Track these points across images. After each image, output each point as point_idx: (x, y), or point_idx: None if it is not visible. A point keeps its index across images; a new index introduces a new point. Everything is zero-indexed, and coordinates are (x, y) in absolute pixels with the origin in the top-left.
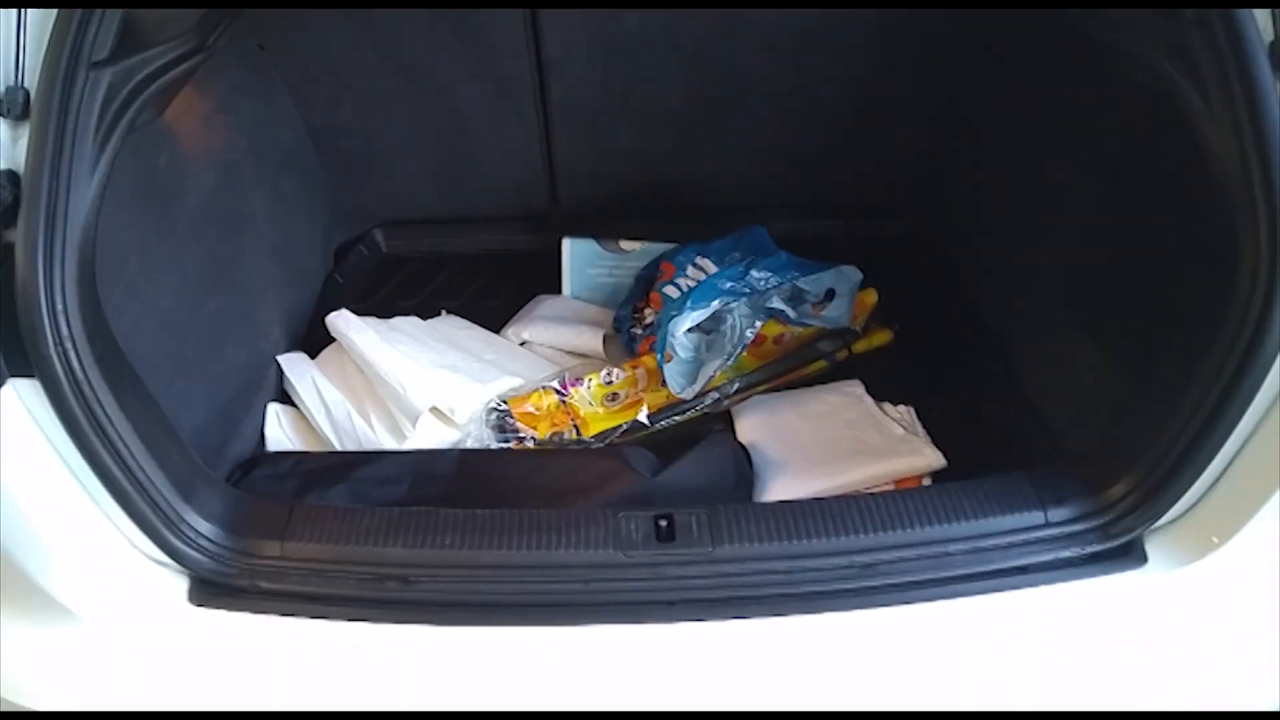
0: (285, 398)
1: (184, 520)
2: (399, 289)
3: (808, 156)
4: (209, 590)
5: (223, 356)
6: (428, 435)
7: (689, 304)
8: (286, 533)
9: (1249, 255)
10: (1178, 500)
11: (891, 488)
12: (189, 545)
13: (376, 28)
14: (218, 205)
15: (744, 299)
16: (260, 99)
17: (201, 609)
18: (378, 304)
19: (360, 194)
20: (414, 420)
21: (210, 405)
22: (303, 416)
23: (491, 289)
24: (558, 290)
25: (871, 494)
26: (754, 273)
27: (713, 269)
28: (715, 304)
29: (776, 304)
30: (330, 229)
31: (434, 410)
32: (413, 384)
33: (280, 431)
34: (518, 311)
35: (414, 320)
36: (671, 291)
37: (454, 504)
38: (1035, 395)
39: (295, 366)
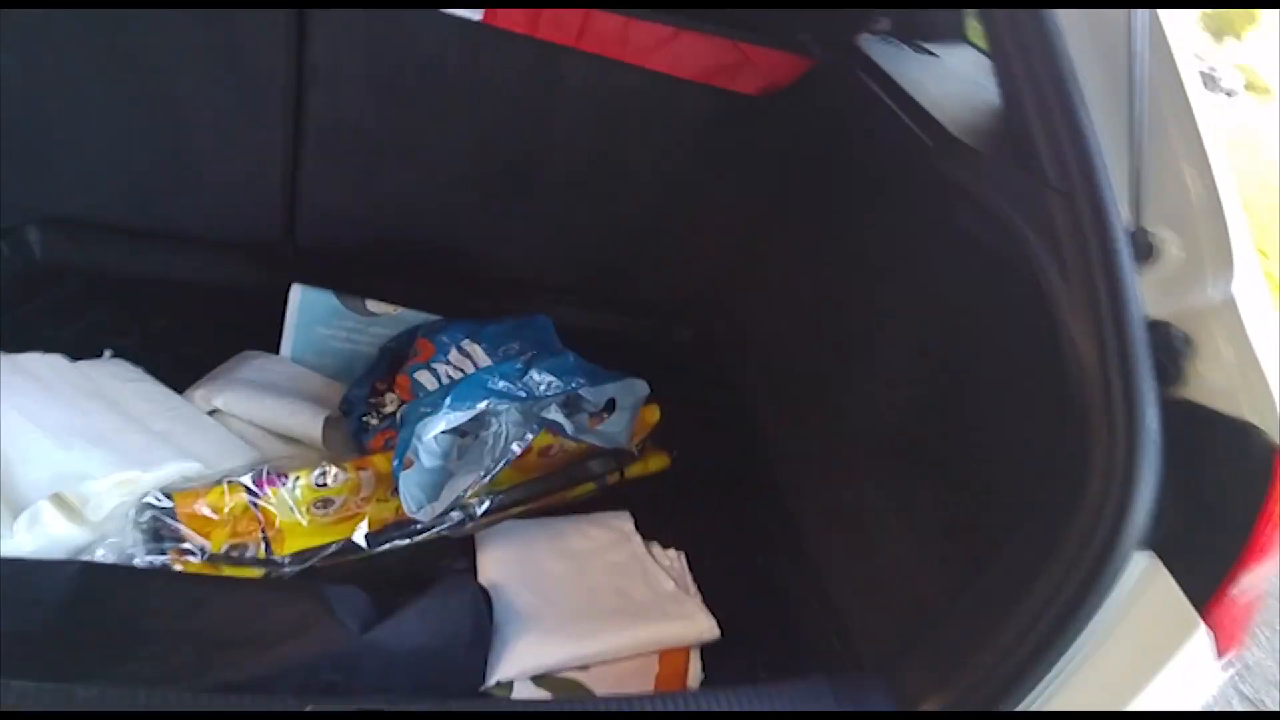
0: None
1: None
2: (50, 310)
3: (604, 241)
4: None
5: None
6: (39, 537)
7: (449, 401)
8: None
9: (1101, 462)
10: None
11: (655, 658)
12: None
13: None
14: None
15: (517, 404)
16: None
17: None
18: (11, 327)
19: (12, 176)
20: (18, 512)
21: None
22: None
23: (186, 331)
24: (276, 347)
25: (639, 702)
26: (534, 374)
27: (483, 358)
28: (481, 405)
29: (554, 415)
30: None
31: (57, 499)
32: (26, 458)
33: None
34: (215, 367)
35: (56, 361)
36: (426, 379)
37: (59, 645)
38: (819, 556)
39: None
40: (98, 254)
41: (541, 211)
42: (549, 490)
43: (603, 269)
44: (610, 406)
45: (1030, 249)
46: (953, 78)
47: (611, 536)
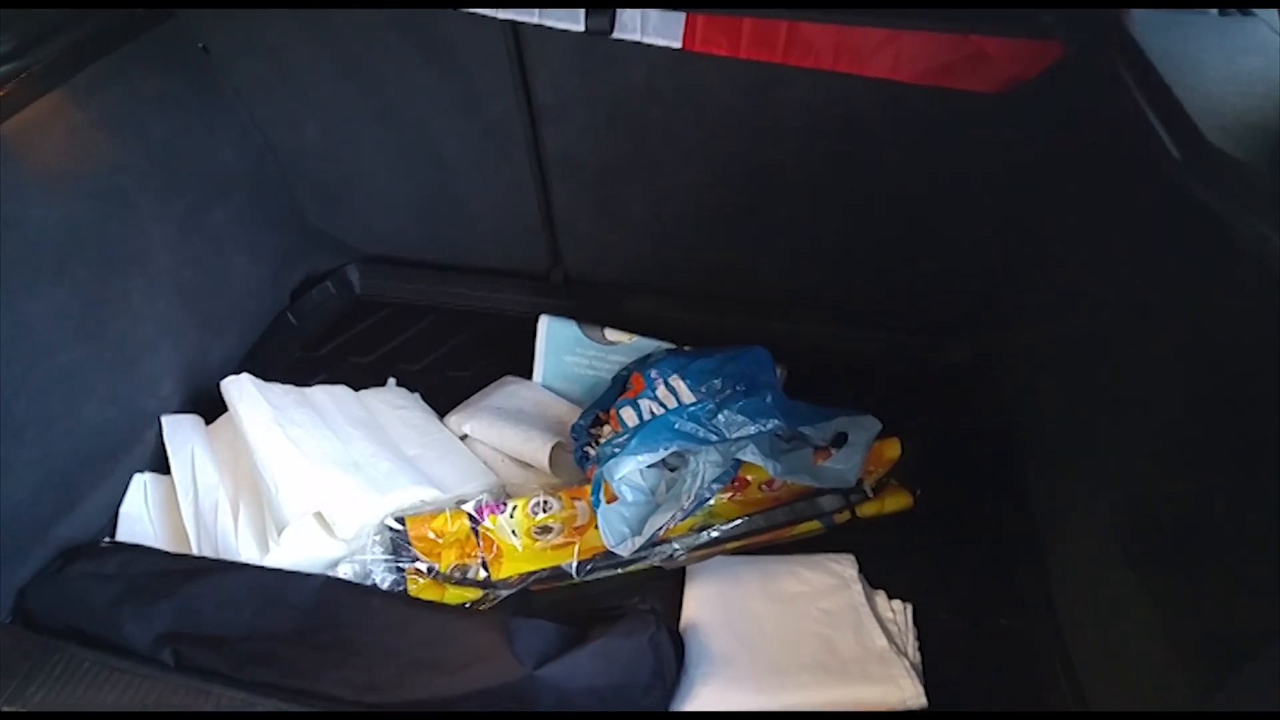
0: (168, 466)
1: None
2: (358, 340)
3: (854, 256)
4: None
5: (76, 415)
6: (298, 549)
7: (635, 442)
8: (13, 691)
9: None
10: None
11: None
12: None
13: (332, 44)
14: (88, 239)
15: (710, 446)
16: (187, 111)
17: None
18: (327, 356)
19: (334, 223)
20: (281, 528)
21: (43, 473)
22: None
23: (465, 355)
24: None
25: None
26: (724, 415)
27: (687, 396)
28: (663, 450)
29: (749, 457)
30: (287, 262)
31: (314, 518)
32: (290, 484)
33: (143, 509)
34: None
35: (338, 392)
36: (629, 415)
37: (297, 646)
38: (1069, 632)
39: (178, 432)
40: (401, 287)
41: (780, 225)
42: (770, 526)
43: (859, 284)
44: (840, 441)
45: None
46: (1259, 50)
47: (828, 581)
